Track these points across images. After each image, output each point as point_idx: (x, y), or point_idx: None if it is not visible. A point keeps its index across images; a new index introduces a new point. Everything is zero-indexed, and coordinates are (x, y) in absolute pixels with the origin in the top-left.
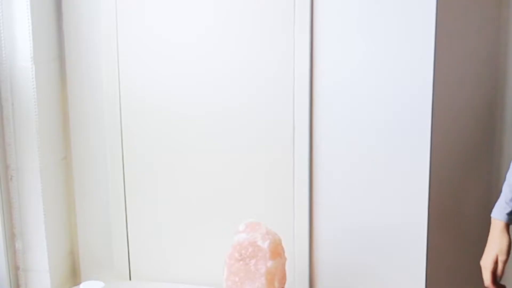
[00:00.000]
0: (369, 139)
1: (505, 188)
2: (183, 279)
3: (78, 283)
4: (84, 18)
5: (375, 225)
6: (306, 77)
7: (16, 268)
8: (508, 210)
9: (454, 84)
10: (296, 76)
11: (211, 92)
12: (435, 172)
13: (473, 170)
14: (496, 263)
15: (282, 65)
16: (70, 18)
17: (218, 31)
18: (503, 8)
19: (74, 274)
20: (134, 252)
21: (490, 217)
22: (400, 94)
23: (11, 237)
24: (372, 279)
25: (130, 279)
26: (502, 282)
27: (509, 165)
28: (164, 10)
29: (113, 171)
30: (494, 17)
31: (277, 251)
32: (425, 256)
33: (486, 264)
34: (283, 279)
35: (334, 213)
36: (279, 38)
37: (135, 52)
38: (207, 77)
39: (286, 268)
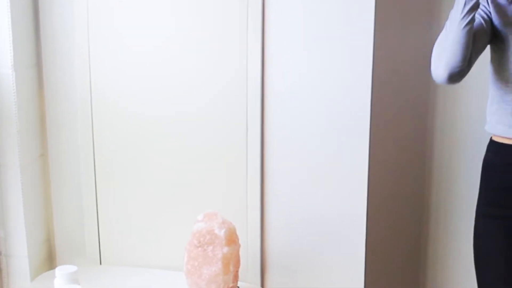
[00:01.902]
0: (314, 139)
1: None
2: (148, 264)
3: (53, 267)
4: (59, 30)
5: (320, 216)
6: (258, 83)
7: None
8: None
9: (390, 90)
10: (249, 82)
11: (174, 96)
12: (373, 168)
13: (407, 167)
14: None
15: (236, 72)
16: (46, 29)
17: (180, 41)
18: (434, 24)
19: (50, 259)
20: (104, 239)
21: (423, 211)
22: (342, 98)
23: None
24: (317, 264)
25: (100, 263)
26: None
27: (440, 167)
28: (132, 22)
29: (85, 166)
30: (426, 31)
31: (232, 239)
32: (364, 243)
33: None
34: (237, 263)
35: (283, 205)
36: (234, 48)
37: (105, 59)
38: (170, 82)
39: (240, 253)
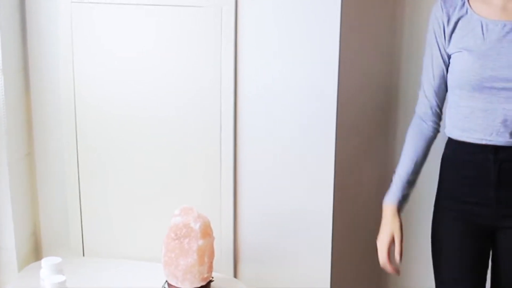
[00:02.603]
0: (284, 139)
1: (395, 179)
2: (128, 255)
3: (39, 259)
4: (45, 37)
5: (289, 210)
6: (231, 87)
7: None
8: (399, 197)
9: (355, 90)
10: (223, 86)
11: (153, 99)
12: (339, 165)
13: (371, 165)
14: (391, 242)
15: (211, 77)
16: (33, 37)
17: (159, 48)
18: (397, 26)
19: (36, 251)
20: (87, 233)
21: (383, 204)
22: (310, 101)
23: None
24: (286, 256)
25: (83, 255)
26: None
27: (398, 160)
28: (114, 30)
29: (69, 164)
30: (389, 34)
31: (206, 232)
32: (330, 236)
33: (381, 245)
34: (211, 255)
35: (254, 200)
36: (208, 54)
37: (88, 64)
38: (150, 86)
39: (214, 246)
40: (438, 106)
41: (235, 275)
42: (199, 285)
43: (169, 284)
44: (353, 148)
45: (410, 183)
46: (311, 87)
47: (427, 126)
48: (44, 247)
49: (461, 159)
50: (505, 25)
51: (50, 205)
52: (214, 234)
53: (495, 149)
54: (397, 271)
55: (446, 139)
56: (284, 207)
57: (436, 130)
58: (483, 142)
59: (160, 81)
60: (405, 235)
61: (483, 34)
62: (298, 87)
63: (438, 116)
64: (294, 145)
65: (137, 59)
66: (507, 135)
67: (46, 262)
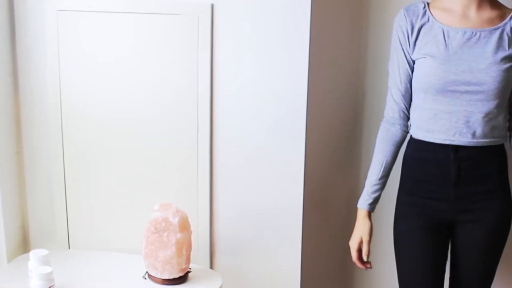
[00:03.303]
0: (257, 138)
1: (367, 184)
2: (111, 248)
3: (27, 251)
4: (33, 43)
5: (262, 206)
6: (208, 89)
7: None
8: (369, 201)
9: (324, 92)
10: (199, 88)
11: (134, 100)
12: (309, 164)
13: (341, 165)
14: (361, 243)
15: (189, 80)
16: (22, 43)
17: (139, 53)
18: (362, 32)
19: (25, 244)
20: (72, 226)
21: (353, 204)
22: (282, 102)
23: None
24: (259, 248)
25: (69, 247)
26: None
27: (366, 159)
28: (97, 37)
29: (55, 162)
30: (355, 42)
31: (184, 226)
32: (301, 229)
33: (353, 244)
34: (189, 247)
35: (230, 196)
36: (186, 58)
37: (73, 68)
38: (131, 89)
39: (192, 239)
40: (406, 109)
41: (211, 267)
42: (177, 276)
43: (149, 275)
44: (323, 148)
45: (380, 185)
46: (282, 90)
47: (396, 129)
48: (32, 240)
49: (423, 157)
50: (465, 32)
51: (37, 200)
52: (192, 228)
53: (456, 148)
54: (367, 267)
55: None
56: (257, 202)
57: (405, 132)
58: (446, 142)
59: (141, 84)
60: (374, 225)
61: (445, 41)
62: (270, 90)
63: (406, 118)
64: (266, 144)
65: (119, 63)
66: (469, 136)
67: (34, 254)
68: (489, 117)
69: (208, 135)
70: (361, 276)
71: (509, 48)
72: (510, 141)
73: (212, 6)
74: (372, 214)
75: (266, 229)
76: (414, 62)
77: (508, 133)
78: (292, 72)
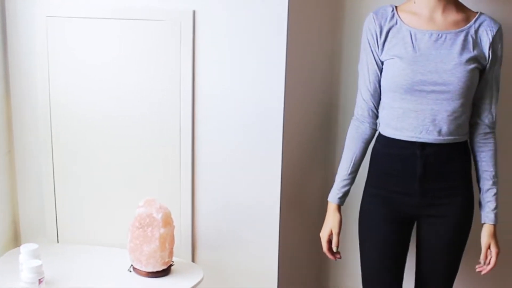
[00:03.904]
0: (236, 137)
1: (337, 178)
2: (98, 242)
3: (18, 245)
4: (23, 47)
5: (241, 203)
6: (189, 91)
7: None
8: (339, 195)
9: (301, 96)
10: (182, 90)
11: (120, 102)
12: (286, 162)
13: (316, 163)
14: (331, 234)
15: (172, 82)
16: (13, 47)
17: (125, 57)
18: (337, 35)
19: (16, 238)
20: (61, 222)
21: (326, 199)
22: (259, 104)
23: None
24: (238, 242)
25: (58, 242)
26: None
27: (339, 157)
28: (85, 41)
29: (45, 161)
30: (331, 43)
31: (167, 221)
32: (278, 224)
33: (323, 236)
34: (172, 242)
35: (210, 193)
36: (169, 61)
37: (61, 71)
38: (117, 90)
39: (175, 233)
40: (374, 108)
41: (193, 260)
42: (161, 269)
43: (134, 268)
44: (299, 146)
45: (349, 180)
46: (261, 91)
47: (365, 127)
48: (22, 235)
49: (391, 152)
50: (432, 34)
51: (28, 197)
52: (174, 223)
53: (422, 146)
54: (336, 257)
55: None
56: (237, 199)
57: (374, 130)
58: (414, 140)
59: (126, 86)
60: (346, 219)
61: (412, 42)
62: (249, 91)
63: (375, 117)
64: (245, 143)
65: (106, 67)
66: (435, 133)
67: (24, 248)
68: (454, 116)
69: (190, 135)
70: (336, 269)
71: (473, 50)
72: (471, 140)
73: (194, 12)
74: (348, 205)
75: (245, 224)
76: (382, 63)
77: (471, 131)
78: (269, 75)
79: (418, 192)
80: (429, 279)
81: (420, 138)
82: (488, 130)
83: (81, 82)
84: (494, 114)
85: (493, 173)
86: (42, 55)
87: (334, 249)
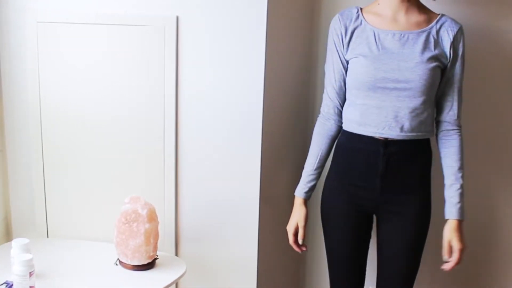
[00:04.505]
0: (218, 137)
1: (303, 174)
2: (86, 237)
3: (10, 240)
4: (15, 51)
5: (222, 199)
6: (173, 93)
7: None
8: (305, 190)
9: (279, 98)
10: (165, 92)
11: (107, 102)
12: (265, 161)
13: (294, 162)
14: (297, 228)
15: (156, 83)
16: (4, 51)
17: (112, 60)
18: (314, 40)
19: (7, 233)
20: (50, 218)
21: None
22: (240, 105)
23: None
24: (219, 237)
25: (47, 237)
26: None
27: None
28: (74, 45)
29: (35, 159)
30: (307, 46)
31: (152, 217)
32: (257, 222)
33: (289, 229)
34: (156, 236)
35: (193, 190)
36: (154, 65)
37: (51, 74)
38: (104, 91)
39: (159, 229)
40: (340, 105)
41: (176, 254)
42: (145, 262)
43: (120, 262)
44: (277, 145)
45: (315, 175)
46: (240, 93)
47: (330, 124)
48: (14, 230)
49: (355, 148)
50: (394, 34)
51: (19, 194)
52: (159, 219)
53: (386, 143)
54: (302, 249)
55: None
56: (218, 195)
57: (339, 127)
58: (376, 135)
59: (113, 88)
60: (313, 214)
61: (376, 42)
62: (229, 93)
63: (340, 114)
64: (226, 142)
65: (93, 70)
66: (398, 129)
67: (16, 243)
68: (416, 113)
69: (173, 135)
70: (313, 261)
71: (434, 49)
72: (436, 137)
73: (177, 18)
74: (318, 200)
75: (226, 220)
76: (347, 62)
77: (435, 129)
78: (249, 77)
79: (378, 188)
80: (389, 278)
81: (382, 133)
82: (450, 127)
83: (70, 84)
84: (456, 112)
85: (456, 168)
86: (32, 58)
87: (300, 241)
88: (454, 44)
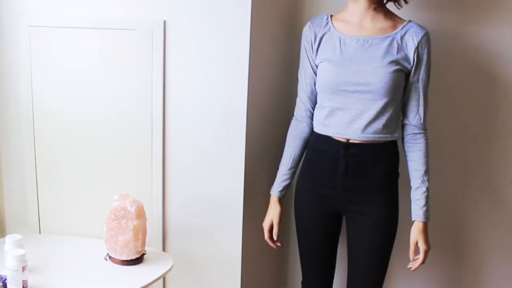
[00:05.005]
0: (203, 137)
1: (278, 174)
2: (77, 233)
3: (3, 236)
4: (8, 55)
5: (208, 197)
6: (161, 95)
7: None
8: (280, 189)
9: (262, 101)
10: (153, 94)
11: (97, 104)
12: (249, 160)
13: (276, 162)
14: (272, 225)
15: (145, 86)
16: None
17: (103, 64)
18: (295, 41)
19: (1, 230)
20: (43, 214)
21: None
22: (225, 105)
23: None
24: (205, 233)
25: (40, 233)
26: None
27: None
28: (65, 48)
29: (28, 158)
30: (290, 51)
31: (140, 214)
32: (241, 219)
33: (265, 226)
34: (144, 232)
35: (180, 188)
36: (142, 68)
37: (43, 76)
38: (95, 94)
39: (147, 225)
40: (311, 108)
41: (164, 249)
42: (134, 257)
43: (109, 257)
44: (260, 145)
45: (289, 175)
46: (226, 96)
47: (303, 126)
48: (7, 226)
49: (320, 148)
50: (359, 40)
51: (12, 191)
52: (147, 216)
53: (346, 145)
54: (277, 245)
55: None
56: (204, 194)
57: (311, 129)
58: (340, 136)
59: (103, 90)
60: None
61: (340, 47)
62: (215, 96)
63: (312, 117)
64: (212, 142)
65: (84, 72)
66: (359, 131)
67: (9, 239)
68: (377, 115)
69: (161, 135)
70: (295, 256)
71: (397, 54)
72: (402, 140)
73: (165, 22)
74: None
75: (211, 217)
76: (317, 67)
77: (401, 132)
78: (233, 80)
79: (340, 188)
80: (358, 278)
81: (345, 134)
82: (416, 131)
83: (62, 86)
84: (422, 115)
85: (422, 172)
86: (25, 61)
87: (275, 237)
88: (418, 50)
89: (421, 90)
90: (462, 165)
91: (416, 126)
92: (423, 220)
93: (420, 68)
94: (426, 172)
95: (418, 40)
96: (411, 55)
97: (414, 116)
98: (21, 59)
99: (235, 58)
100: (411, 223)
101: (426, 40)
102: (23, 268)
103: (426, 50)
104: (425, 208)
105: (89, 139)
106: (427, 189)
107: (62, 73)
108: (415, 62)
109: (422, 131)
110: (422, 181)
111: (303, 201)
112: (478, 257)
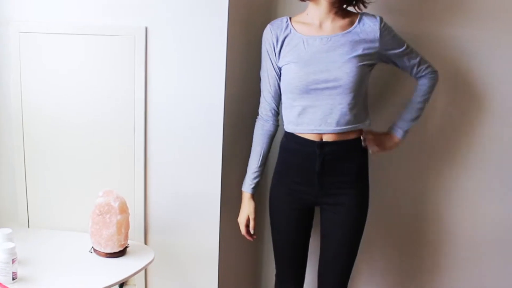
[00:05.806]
0: (182, 137)
1: (248, 171)
2: (64, 227)
3: None
4: None
5: (187, 193)
6: (142, 97)
7: None
8: (252, 186)
9: (239, 101)
10: (136, 96)
11: (82, 106)
12: (226, 158)
13: (244, 161)
14: (248, 220)
15: (127, 89)
16: None
17: (87, 67)
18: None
19: None
20: (31, 209)
21: (260, 191)
22: (203, 107)
23: None
24: (184, 227)
25: (28, 227)
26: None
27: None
28: (53, 53)
29: (18, 156)
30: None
31: (123, 209)
32: (219, 215)
33: (241, 221)
34: (127, 227)
35: (160, 185)
36: (125, 71)
37: (32, 80)
38: (80, 96)
39: (129, 220)
40: (276, 107)
41: (145, 242)
42: (117, 250)
43: (94, 250)
44: (236, 144)
45: (259, 172)
46: (204, 97)
47: (269, 125)
48: None
49: (293, 148)
50: (321, 39)
51: (2, 188)
52: (129, 211)
53: (321, 145)
54: (253, 238)
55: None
56: (183, 190)
57: (276, 127)
58: (314, 132)
59: (89, 92)
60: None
61: (304, 48)
62: (194, 97)
63: (277, 115)
64: (190, 142)
65: (71, 76)
66: (334, 124)
67: None
68: (348, 108)
69: (143, 135)
70: (270, 248)
71: (361, 47)
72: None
73: (146, 29)
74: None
75: (190, 212)
76: (280, 68)
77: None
78: (211, 83)
79: (316, 184)
80: (330, 265)
81: (319, 130)
82: (420, 74)
83: (50, 89)
84: (417, 63)
85: (420, 100)
86: (15, 65)
87: (252, 231)
88: (382, 33)
89: (406, 55)
90: (434, 158)
91: (418, 72)
92: (401, 138)
93: (393, 44)
94: (424, 102)
95: (378, 26)
96: (376, 42)
97: (414, 70)
98: (12, 63)
99: (213, 62)
100: (373, 218)
101: (382, 22)
102: (13, 260)
103: (387, 29)
104: (412, 123)
105: (75, 139)
106: (419, 111)
107: (50, 77)
108: (386, 44)
109: (424, 73)
110: (418, 102)
111: (279, 197)
112: (438, 250)
